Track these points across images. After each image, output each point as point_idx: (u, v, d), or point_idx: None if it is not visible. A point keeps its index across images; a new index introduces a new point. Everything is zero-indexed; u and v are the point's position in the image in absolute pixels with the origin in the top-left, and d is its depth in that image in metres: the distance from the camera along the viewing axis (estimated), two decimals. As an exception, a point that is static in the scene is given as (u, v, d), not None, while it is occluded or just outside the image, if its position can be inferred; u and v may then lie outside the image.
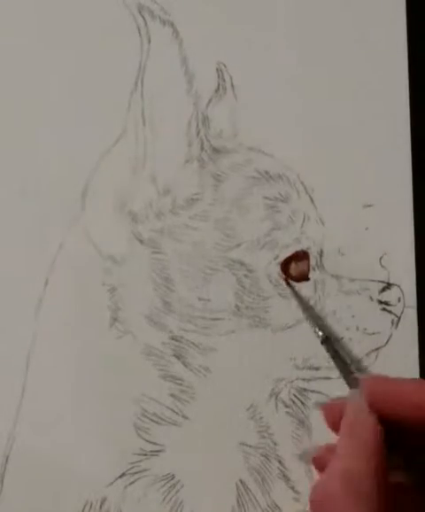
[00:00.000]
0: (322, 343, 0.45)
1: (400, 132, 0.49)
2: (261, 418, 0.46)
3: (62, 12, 0.50)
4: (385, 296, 0.47)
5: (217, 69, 0.49)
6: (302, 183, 0.48)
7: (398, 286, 0.48)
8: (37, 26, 0.50)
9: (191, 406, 0.46)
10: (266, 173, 0.48)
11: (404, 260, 0.48)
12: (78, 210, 0.48)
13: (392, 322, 0.47)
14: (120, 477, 0.45)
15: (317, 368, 0.47)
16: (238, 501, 0.45)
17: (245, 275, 0.47)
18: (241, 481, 0.46)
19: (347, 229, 0.48)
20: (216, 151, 0.48)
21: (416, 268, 0.48)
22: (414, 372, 0.47)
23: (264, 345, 0.47)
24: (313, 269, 0.47)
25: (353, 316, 0.47)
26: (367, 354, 0.47)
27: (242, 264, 0.47)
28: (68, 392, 0.46)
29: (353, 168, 0.49)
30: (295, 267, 0.47)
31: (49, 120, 0.49)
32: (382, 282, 0.48)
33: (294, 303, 0.46)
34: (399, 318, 0.47)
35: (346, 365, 0.44)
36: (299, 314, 0.46)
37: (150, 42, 0.48)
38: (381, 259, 0.48)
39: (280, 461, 0.46)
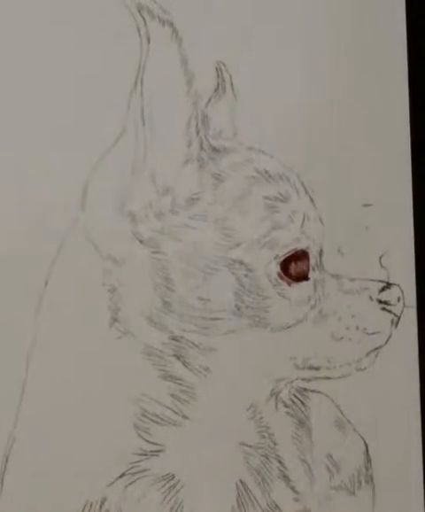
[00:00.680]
0: None
1: (400, 132, 0.49)
2: (261, 418, 0.46)
3: (61, 12, 0.49)
4: (385, 295, 0.47)
5: (216, 69, 0.49)
6: (302, 183, 0.48)
7: (398, 286, 0.48)
8: (37, 25, 0.49)
9: (191, 406, 0.46)
10: (266, 172, 0.48)
11: (403, 260, 0.48)
12: (78, 210, 0.48)
13: (392, 322, 0.48)
14: (120, 477, 0.45)
15: (317, 368, 0.47)
16: (238, 501, 0.45)
17: (245, 275, 0.46)
18: (241, 481, 0.46)
19: (347, 229, 0.49)
20: (216, 150, 0.48)
21: (416, 268, 0.48)
22: (414, 372, 0.47)
23: (264, 345, 0.47)
24: (313, 269, 0.47)
25: (353, 316, 0.47)
26: (367, 354, 0.47)
27: (241, 264, 0.47)
28: (68, 392, 0.46)
29: (353, 168, 0.49)
30: (294, 267, 0.47)
31: (48, 120, 0.49)
32: (382, 281, 0.48)
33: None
34: (399, 318, 0.48)
35: None
36: (299, 313, 0.46)
37: (149, 41, 0.48)
38: (380, 258, 0.48)
39: (280, 461, 0.46)
